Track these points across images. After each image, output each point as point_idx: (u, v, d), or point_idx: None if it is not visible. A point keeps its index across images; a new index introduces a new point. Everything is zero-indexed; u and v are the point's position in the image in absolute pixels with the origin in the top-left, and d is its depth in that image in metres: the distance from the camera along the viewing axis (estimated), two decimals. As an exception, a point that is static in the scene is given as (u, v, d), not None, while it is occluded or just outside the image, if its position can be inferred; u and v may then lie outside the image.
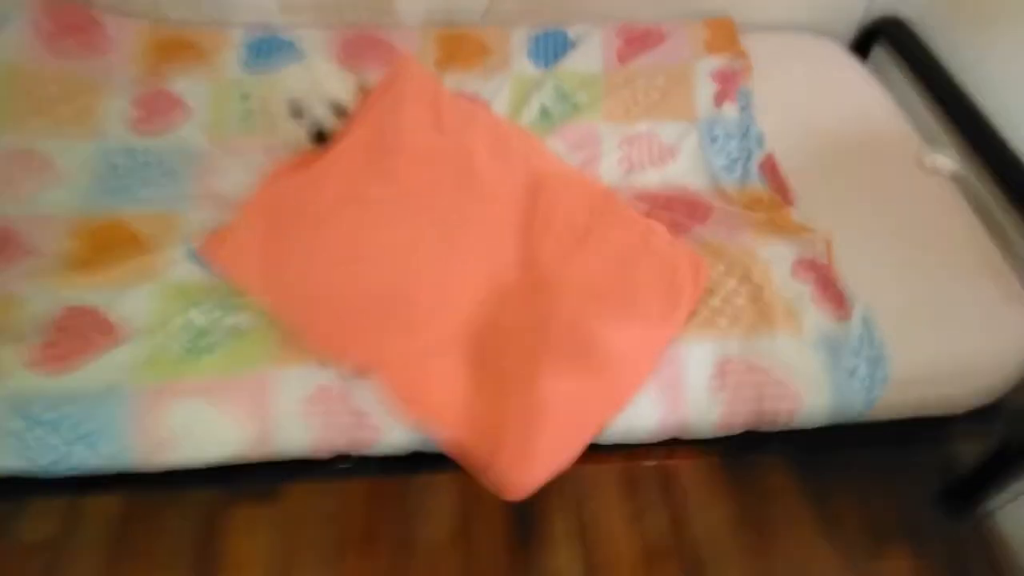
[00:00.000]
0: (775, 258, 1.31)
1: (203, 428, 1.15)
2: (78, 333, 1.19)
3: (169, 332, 1.20)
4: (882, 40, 1.91)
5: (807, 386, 1.19)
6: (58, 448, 1.12)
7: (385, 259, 1.21)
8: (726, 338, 1.20)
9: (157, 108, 1.60)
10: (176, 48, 1.71)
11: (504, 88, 1.69)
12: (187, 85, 1.64)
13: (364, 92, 1.37)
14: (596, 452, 1.26)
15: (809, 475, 1.67)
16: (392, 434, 1.17)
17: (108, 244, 1.36)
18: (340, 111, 1.32)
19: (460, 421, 1.11)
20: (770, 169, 1.52)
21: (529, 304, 1.18)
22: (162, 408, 1.14)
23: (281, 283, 1.21)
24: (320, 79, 1.32)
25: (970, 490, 1.56)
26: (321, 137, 1.31)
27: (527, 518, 1.59)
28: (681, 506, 1.63)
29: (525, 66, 1.75)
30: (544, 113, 1.66)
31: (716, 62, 1.74)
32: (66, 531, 1.54)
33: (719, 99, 1.67)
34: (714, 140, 1.59)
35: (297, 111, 1.31)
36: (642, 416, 1.18)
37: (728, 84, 1.69)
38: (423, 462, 1.24)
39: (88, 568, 1.49)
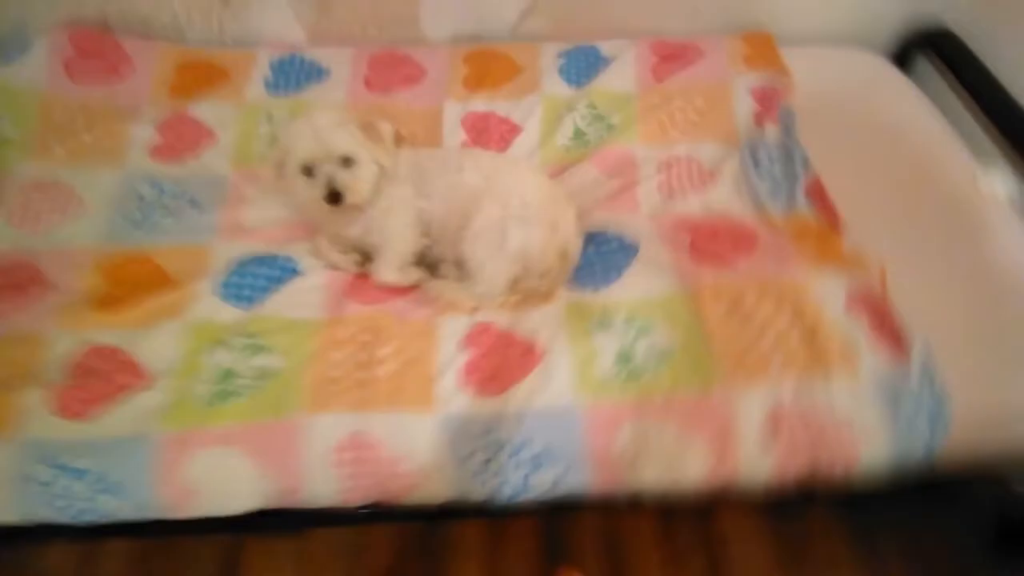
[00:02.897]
0: (827, 292, 1.24)
1: (229, 479, 1.11)
2: (103, 375, 1.15)
3: (195, 374, 1.16)
4: (926, 50, 1.83)
5: (865, 437, 1.11)
6: (84, 498, 1.08)
7: None
8: (779, 384, 1.13)
9: (181, 134, 1.57)
10: (199, 71, 1.67)
11: (536, 110, 1.64)
12: (211, 109, 1.61)
13: (366, 130, 1.29)
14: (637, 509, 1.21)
15: (853, 515, 1.59)
16: (431, 483, 1.12)
17: (132, 279, 1.32)
18: (348, 163, 1.26)
19: None
20: (817, 193, 1.45)
21: None
22: (187, 458, 1.09)
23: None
24: (323, 135, 1.24)
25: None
26: (335, 197, 1.25)
27: (558, 558, 1.53)
28: (720, 548, 1.56)
29: (557, 85, 1.69)
30: (578, 135, 1.60)
31: (756, 79, 1.67)
32: (86, 569, 1.50)
33: (760, 119, 1.60)
34: (757, 163, 1.52)
35: (308, 171, 1.25)
36: (689, 467, 1.12)
37: (769, 102, 1.62)
38: (454, 513, 1.20)
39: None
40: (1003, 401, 1.17)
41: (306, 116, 1.27)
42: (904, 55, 1.89)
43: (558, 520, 1.58)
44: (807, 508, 1.60)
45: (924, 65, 1.85)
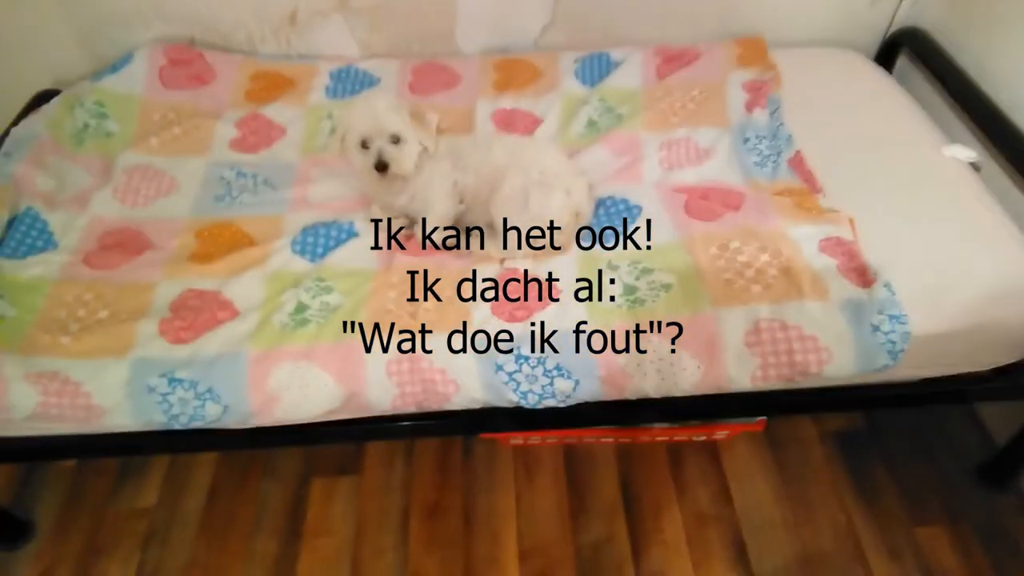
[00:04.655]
0: (803, 237, 1.46)
1: (305, 386, 1.34)
2: (203, 311, 1.41)
3: (275, 309, 1.41)
4: (905, 49, 2.06)
5: (835, 340, 1.31)
6: (193, 404, 1.32)
7: None
8: (759, 303, 1.35)
9: (256, 130, 1.86)
10: (270, 79, 1.98)
11: (555, 105, 1.90)
12: (281, 111, 1.90)
13: (415, 116, 1.55)
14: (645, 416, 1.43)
15: (848, 452, 1.77)
16: (469, 389, 1.35)
17: (221, 240, 1.59)
18: (396, 140, 1.52)
19: None
20: (799, 164, 1.67)
21: None
22: (271, 369, 1.34)
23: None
24: (379, 115, 1.49)
25: (1007, 463, 1.65)
26: (382, 166, 1.51)
27: (579, 489, 1.73)
28: (725, 480, 1.74)
29: (573, 85, 1.96)
30: (591, 124, 1.86)
31: (747, 74, 1.91)
32: (165, 500, 1.76)
33: (750, 106, 1.83)
34: (746, 141, 1.75)
35: (364, 144, 1.52)
36: (684, 371, 1.33)
37: (758, 93, 1.86)
38: (489, 420, 1.44)
39: (185, 532, 1.69)
40: (957, 318, 1.37)
41: (367, 99, 1.54)
42: (887, 54, 2.12)
43: (578, 458, 1.79)
44: (807, 445, 1.79)
45: (904, 62, 2.09)
